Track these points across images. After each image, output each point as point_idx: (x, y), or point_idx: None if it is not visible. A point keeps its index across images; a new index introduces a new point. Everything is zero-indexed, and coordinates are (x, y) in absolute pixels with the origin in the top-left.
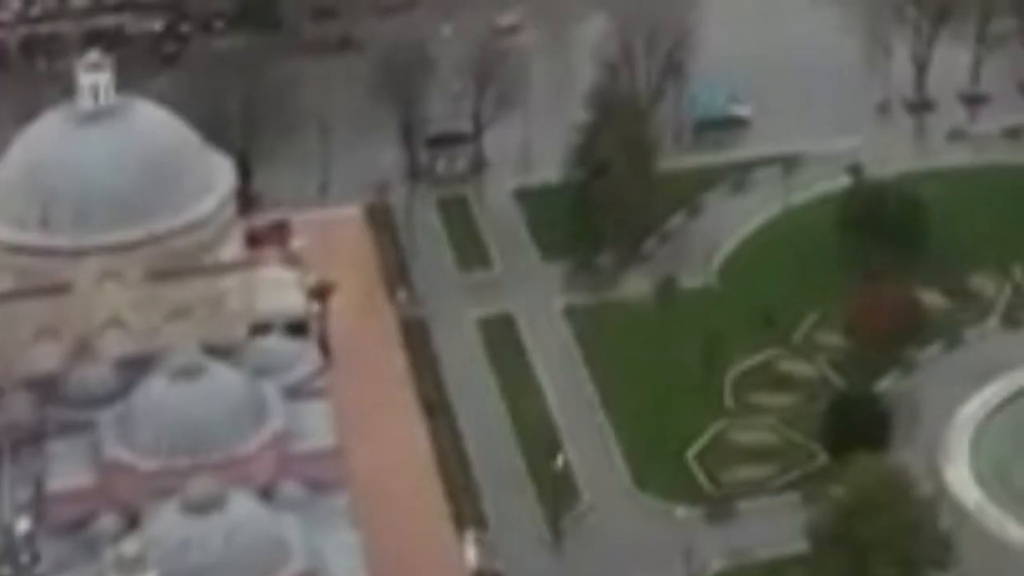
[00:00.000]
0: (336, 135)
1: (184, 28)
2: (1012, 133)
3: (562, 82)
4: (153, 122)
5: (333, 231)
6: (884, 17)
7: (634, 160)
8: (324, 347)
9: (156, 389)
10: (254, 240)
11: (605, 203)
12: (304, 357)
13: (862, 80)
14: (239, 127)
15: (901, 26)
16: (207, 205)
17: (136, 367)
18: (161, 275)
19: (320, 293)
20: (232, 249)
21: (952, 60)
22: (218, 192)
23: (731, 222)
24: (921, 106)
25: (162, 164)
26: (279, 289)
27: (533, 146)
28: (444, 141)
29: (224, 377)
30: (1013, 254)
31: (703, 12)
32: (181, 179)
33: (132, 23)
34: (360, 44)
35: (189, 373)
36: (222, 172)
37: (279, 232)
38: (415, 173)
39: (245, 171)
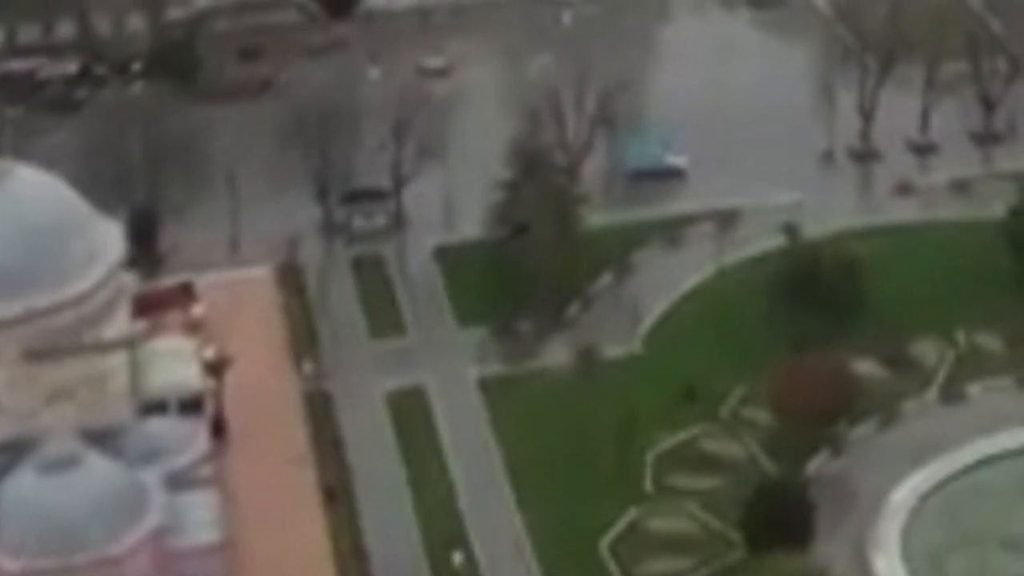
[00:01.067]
0: (250, 188)
1: (99, 71)
2: (961, 186)
3: (491, 129)
4: (34, 188)
5: (240, 294)
6: (830, 61)
7: (556, 219)
8: (220, 426)
9: (24, 482)
10: (157, 305)
11: (525, 266)
12: (194, 440)
13: (807, 127)
14: (146, 181)
15: (847, 70)
16: (93, 277)
17: (13, 453)
18: (40, 354)
19: (217, 367)
20: (121, 322)
21: (900, 107)
22: (105, 262)
23: (661, 284)
24: (867, 156)
25: (43, 234)
26: (174, 362)
27: (457, 200)
28: (362, 197)
29: (99, 468)
30: (957, 318)
31: (640, 56)
32: (64, 249)
33: (46, 67)
34: (284, 88)
35: (61, 464)
36: (110, 240)
37: (183, 295)
38: (331, 230)
39: (151, 229)
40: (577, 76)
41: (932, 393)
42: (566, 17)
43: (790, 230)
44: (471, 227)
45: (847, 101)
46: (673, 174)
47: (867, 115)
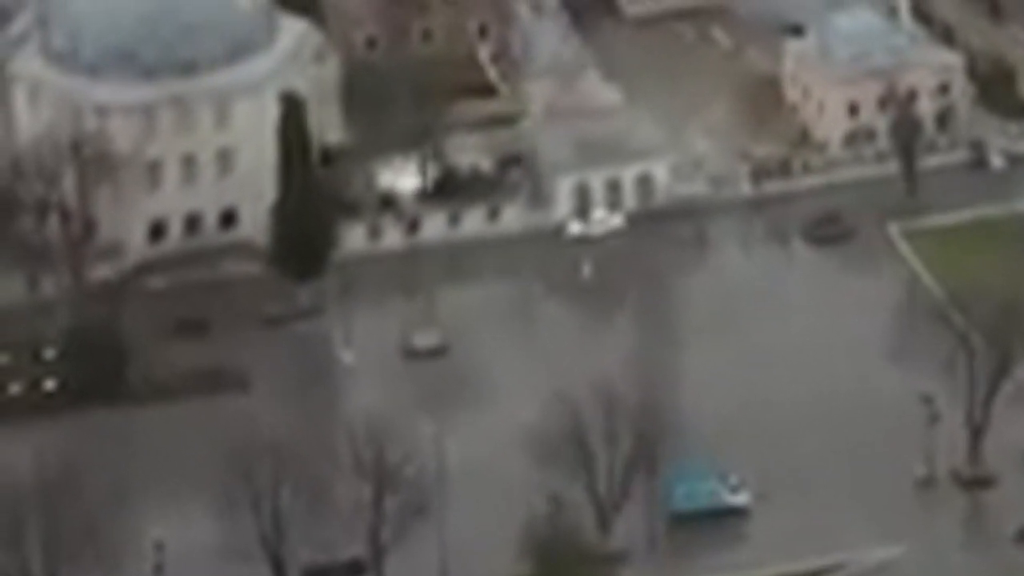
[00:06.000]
0: (185, 560)
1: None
2: None
3: (502, 460)
4: None
5: None
6: (929, 362)
7: None
8: None
9: None
10: None
11: None
12: None
13: (895, 437)
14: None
15: (951, 374)
16: None
17: None
18: None
19: None
20: None
21: (1020, 417)
22: None
23: None
24: (977, 483)
25: None
26: None
27: (456, 571)
28: (331, 572)
29: None
30: None
31: (674, 325)
32: None
33: None
34: (241, 378)
35: None
36: None
37: None
38: None
39: None
40: (605, 388)
41: None
42: (586, 269)
43: None
44: None
45: (951, 406)
46: (732, 515)
47: (977, 428)
